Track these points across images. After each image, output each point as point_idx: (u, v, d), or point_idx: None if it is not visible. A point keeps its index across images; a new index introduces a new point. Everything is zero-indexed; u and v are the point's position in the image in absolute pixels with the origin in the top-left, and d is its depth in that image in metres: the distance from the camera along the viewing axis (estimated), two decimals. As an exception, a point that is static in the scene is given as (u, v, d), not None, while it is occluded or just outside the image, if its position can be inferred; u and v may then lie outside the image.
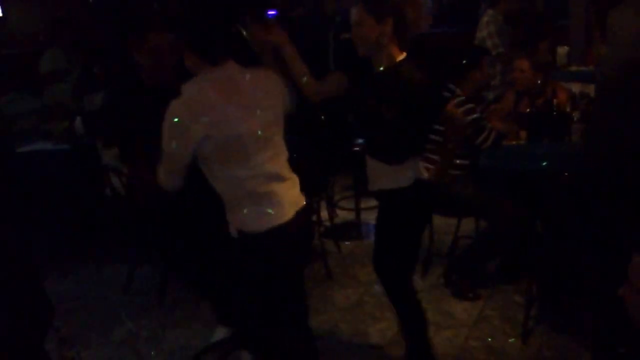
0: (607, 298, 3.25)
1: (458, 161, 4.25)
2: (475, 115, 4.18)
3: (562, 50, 6.69)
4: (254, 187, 2.71)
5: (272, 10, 7.96)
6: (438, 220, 4.65)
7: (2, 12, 10.53)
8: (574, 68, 6.50)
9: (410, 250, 3.29)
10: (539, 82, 4.58)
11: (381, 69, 2.97)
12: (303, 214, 2.87)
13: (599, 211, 3.27)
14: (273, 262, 2.81)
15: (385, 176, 3.10)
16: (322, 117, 5.50)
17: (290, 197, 2.81)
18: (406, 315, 3.38)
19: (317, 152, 4.88)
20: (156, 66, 3.40)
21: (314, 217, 4.84)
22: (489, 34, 6.12)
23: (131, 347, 4.06)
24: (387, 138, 2.97)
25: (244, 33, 4.58)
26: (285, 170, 2.85)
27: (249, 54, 3.06)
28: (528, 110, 4.52)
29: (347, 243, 5.40)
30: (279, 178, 2.78)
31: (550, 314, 3.98)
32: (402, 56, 2.98)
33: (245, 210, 2.73)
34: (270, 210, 2.74)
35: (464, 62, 4.31)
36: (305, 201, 2.91)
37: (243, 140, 2.65)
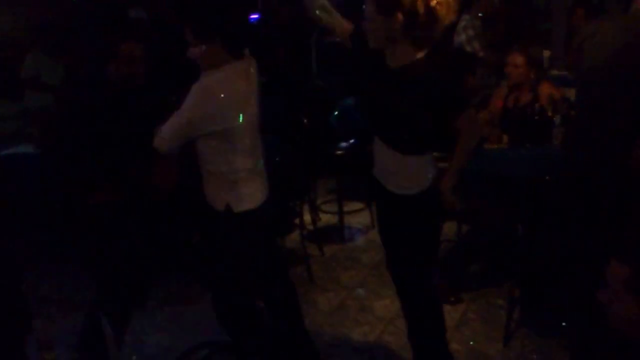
0: (588, 301, 3.29)
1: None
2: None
3: (544, 53, 6.73)
4: (246, 169, 3.09)
5: (254, 13, 7.96)
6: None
7: (-16, 15, 10.48)
8: (555, 72, 6.53)
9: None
10: (533, 77, 4.57)
11: (397, 66, 2.89)
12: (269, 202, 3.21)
13: (578, 215, 3.30)
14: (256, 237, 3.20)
15: (409, 178, 3.02)
16: (305, 120, 5.51)
17: (260, 184, 3.21)
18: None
19: (300, 155, 4.88)
20: (128, 75, 3.48)
21: (297, 221, 4.84)
22: (468, 39, 6.15)
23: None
24: (404, 132, 2.94)
25: None
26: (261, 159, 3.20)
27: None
28: (520, 103, 4.53)
29: (330, 246, 5.40)
30: (259, 165, 3.18)
31: (532, 318, 4.00)
32: (420, 54, 2.86)
33: (241, 190, 3.10)
34: (255, 192, 3.16)
35: (459, 66, 4.32)
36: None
37: (242, 129, 3.02)
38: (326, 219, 6.00)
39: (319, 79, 6.91)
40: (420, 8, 2.72)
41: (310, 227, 5.35)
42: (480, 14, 6.33)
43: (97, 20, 6.76)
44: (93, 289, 4.80)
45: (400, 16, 2.74)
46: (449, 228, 4.75)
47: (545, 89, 4.61)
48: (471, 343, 3.87)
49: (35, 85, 6.21)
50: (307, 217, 5.29)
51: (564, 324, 3.72)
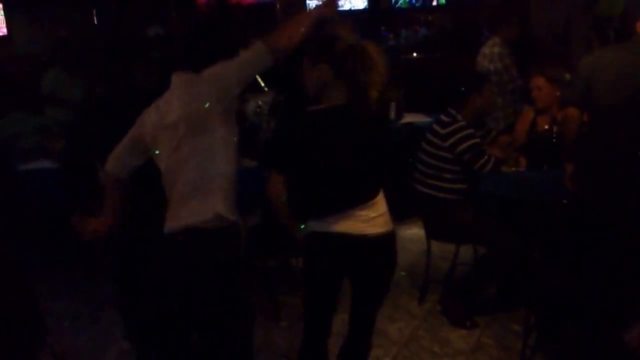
0: (605, 328, 3.25)
1: (456, 186, 4.26)
2: (475, 141, 4.18)
3: (565, 76, 6.65)
4: (166, 187, 2.91)
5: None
6: (436, 247, 4.63)
7: (7, 31, 10.65)
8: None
9: None
10: (559, 94, 4.52)
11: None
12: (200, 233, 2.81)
13: (594, 240, 3.27)
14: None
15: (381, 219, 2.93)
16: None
17: (184, 210, 2.84)
18: None
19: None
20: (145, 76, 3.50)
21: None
22: (505, 67, 5.94)
23: (124, 368, 4.04)
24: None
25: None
26: (195, 178, 2.83)
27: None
28: (547, 127, 4.48)
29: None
30: (181, 183, 2.84)
31: (548, 344, 3.94)
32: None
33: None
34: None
35: (464, 88, 4.30)
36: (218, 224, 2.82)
37: (154, 138, 2.88)
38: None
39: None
40: (348, 58, 2.75)
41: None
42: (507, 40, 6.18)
43: (117, 39, 6.85)
44: (107, 304, 4.84)
45: (325, 66, 2.77)
46: (465, 252, 4.72)
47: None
48: (486, 369, 3.83)
49: (55, 100, 6.27)
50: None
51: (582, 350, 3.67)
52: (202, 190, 2.81)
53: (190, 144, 2.80)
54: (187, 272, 2.84)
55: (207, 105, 2.79)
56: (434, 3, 12.14)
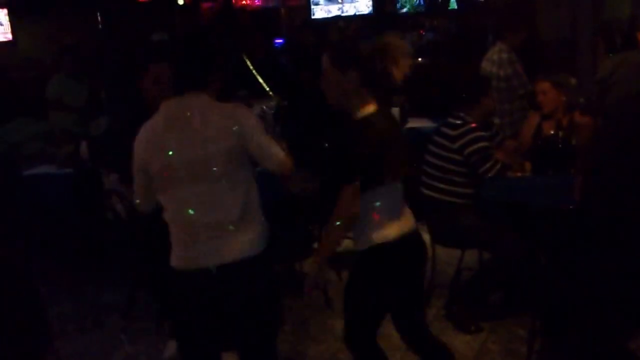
0: (610, 335, 3.23)
1: (464, 190, 4.24)
2: (484, 144, 4.17)
3: (571, 81, 6.62)
4: (174, 221, 2.79)
5: (279, 39, 8.06)
6: (440, 251, 4.61)
7: (12, 36, 10.69)
8: (581, 100, 6.43)
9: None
10: (564, 99, 4.52)
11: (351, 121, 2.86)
12: (229, 270, 2.77)
13: (601, 245, 3.25)
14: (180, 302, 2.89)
15: (370, 230, 3.01)
16: (325, 144, 5.50)
17: (210, 246, 2.75)
18: None
19: (319, 178, 4.86)
20: (157, 94, 3.45)
21: (315, 245, 4.81)
22: (515, 72, 5.86)
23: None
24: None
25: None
26: (218, 216, 2.75)
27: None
28: (552, 132, 4.47)
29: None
30: (204, 221, 2.74)
31: (553, 349, 3.92)
32: (371, 108, 2.86)
33: (172, 242, 2.82)
34: (180, 252, 2.80)
35: (473, 91, 4.29)
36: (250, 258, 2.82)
37: (172, 170, 2.71)
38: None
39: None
40: (377, 64, 2.82)
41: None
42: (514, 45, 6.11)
43: (122, 45, 6.87)
44: (112, 309, 4.85)
45: (354, 73, 2.75)
46: (470, 256, 4.71)
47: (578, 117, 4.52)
48: (491, 374, 3.81)
49: (60, 106, 6.29)
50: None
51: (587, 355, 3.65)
52: (243, 223, 2.78)
53: (229, 178, 2.73)
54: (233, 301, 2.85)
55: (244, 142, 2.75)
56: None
